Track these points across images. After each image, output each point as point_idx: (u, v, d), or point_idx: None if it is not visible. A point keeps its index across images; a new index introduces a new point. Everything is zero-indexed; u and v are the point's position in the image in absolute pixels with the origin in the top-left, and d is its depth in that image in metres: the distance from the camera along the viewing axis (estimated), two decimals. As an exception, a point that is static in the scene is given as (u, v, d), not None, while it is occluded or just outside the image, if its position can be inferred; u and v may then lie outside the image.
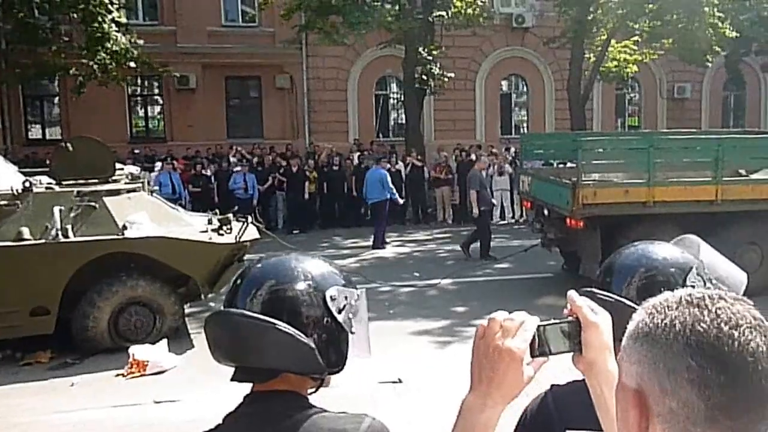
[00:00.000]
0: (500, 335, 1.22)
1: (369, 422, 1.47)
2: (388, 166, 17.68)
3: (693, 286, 1.60)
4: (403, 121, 22.10)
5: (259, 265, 1.58)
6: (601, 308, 1.34)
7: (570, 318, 1.32)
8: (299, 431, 1.44)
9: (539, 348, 1.26)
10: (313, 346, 1.47)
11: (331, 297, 1.53)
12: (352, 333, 1.55)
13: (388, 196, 14.71)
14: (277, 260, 1.59)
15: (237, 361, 1.50)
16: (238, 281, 1.55)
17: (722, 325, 0.92)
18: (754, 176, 10.65)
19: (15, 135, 21.36)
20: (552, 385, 1.73)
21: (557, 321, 1.31)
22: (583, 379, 1.67)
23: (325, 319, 1.52)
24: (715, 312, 0.94)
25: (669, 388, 0.93)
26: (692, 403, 0.91)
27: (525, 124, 25.99)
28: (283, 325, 1.45)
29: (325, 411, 1.50)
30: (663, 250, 1.72)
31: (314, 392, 1.58)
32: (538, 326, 1.26)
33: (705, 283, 1.64)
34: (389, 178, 15.04)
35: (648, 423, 0.95)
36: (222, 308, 1.52)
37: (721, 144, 9.97)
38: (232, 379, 1.52)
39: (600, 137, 13.63)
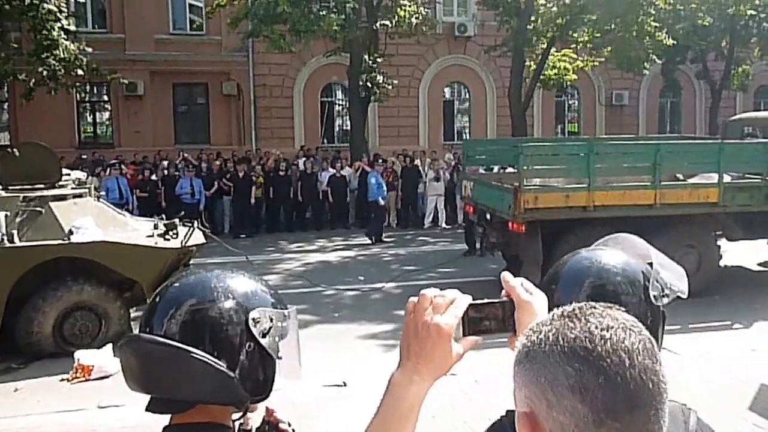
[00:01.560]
0: (430, 311, 1.18)
1: None
2: (333, 171, 17.81)
3: (655, 297, 1.59)
4: (348, 128, 22.20)
5: (177, 283, 1.43)
6: (537, 289, 1.30)
7: (504, 298, 1.28)
8: None
9: (471, 326, 1.22)
10: (232, 375, 1.34)
11: (254, 319, 1.38)
12: (278, 358, 1.41)
13: (384, 196, 16.10)
14: (198, 277, 1.44)
15: (150, 391, 1.37)
16: (156, 299, 1.41)
17: (593, 328, 0.93)
18: (691, 180, 10.84)
19: None
20: (507, 411, 1.69)
21: (490, 300, 1.27)
22: None
23: (248, 344, 1.38)
24: (586, 319, 0.95)
25: (553, 399, 0.92)
26: (577, 410, 0.90)
27: (467, 130, 26.33)
28: (199, 353, 1.32)
29: None
30: (611, 258, 1.65)
31: (241, 416, 1.47)
32: (470, 304, 1.22)
33: (663, 290, 1.60)
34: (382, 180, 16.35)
35: None
36: (137, 332, 1.39)
37: (659, 149, 10.07)
38: (146, 410, 1.39)
39: (541, 143, 13.85)
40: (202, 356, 1.32)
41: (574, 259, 1.68)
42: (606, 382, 0.90)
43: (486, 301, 1.27)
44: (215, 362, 1.33)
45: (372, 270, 12.79)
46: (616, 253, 1.68)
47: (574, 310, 0.98)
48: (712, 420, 1.53)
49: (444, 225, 17.72)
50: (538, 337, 0.96)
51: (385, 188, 16.32)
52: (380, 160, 17.87)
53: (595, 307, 0.98)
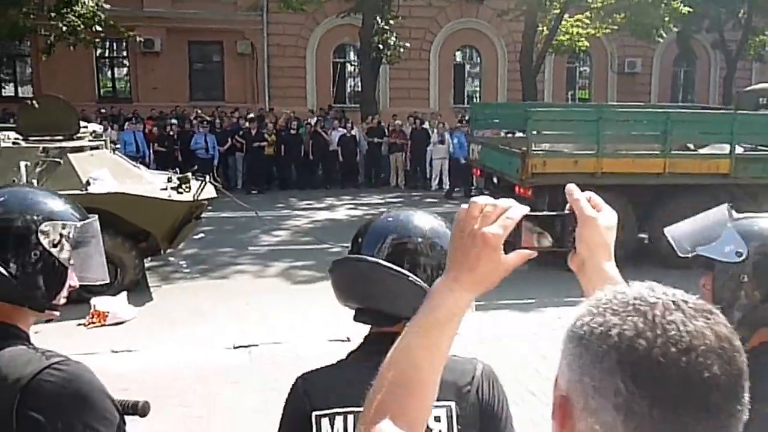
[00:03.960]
0: (478, 220, 1.07)
1: None
2: (344, 130, 17.74)
3: None
4: (360, 89, 22.01)
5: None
6: (606, 206, 1.18)
7: (566, 211, 1.16)
8: None
9: (524, 240, 1.11)
10: (8, 276, 1.48)
11: (42, 231, 1.53)
12: (70, 265, 1.57)
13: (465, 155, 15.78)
14: (11, 192, 1.62)
15: None
16: None
17: (669, 345, 0.74)
18: (702, 150, 10.59)
19: None
20: (303, 373, 1.65)
21: (548, 213, 1.17)
22: (336, 363, 1.66)
23: (34, 253, 1.52)
24: (663, 327, 0.75)
25: (593, 406, 0.78)
26: (616, 430, 0.76)
27: (477, 94, 26.08)
28: None
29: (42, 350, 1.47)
30: (419, 219, 1.62)
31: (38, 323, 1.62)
32: (526, 216, 1.09)
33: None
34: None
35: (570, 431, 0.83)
36: None
37: (670, 118, 9.84)
38: None
39: (550, 108, 13.64)
40: None
41: (383, 217, 1.67)
42: (660, 417, 0.74)
43: (544, 213, 1.16)
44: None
45: (379, 229, 12.77)
46: (426, 216, 1.65)
47: (655, 305, 0.78)
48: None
49: (447, 188, 17.64)
50: (599, 327, 0.79)
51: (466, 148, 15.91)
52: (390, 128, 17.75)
53: (682, 310, 0.77)
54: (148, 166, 11.76)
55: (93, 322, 7.26)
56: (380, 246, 1.57)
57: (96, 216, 1.65)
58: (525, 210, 1.08)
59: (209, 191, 8.46)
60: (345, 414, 1.52)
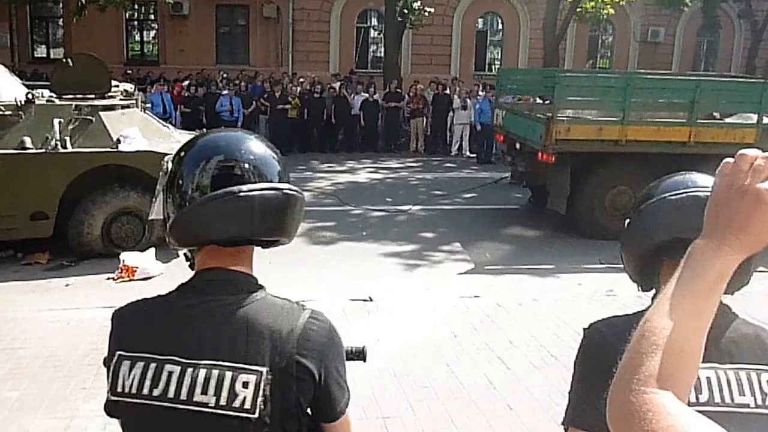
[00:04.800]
0: (748, 174, 0.97)
1: None
2: (366, 95, 17.61)
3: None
4: (382, 54, 21.78)
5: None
6: None
7: None
8: None
9: None
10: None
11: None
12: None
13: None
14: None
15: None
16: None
17: None
18: (728, 120, 10.38)
19: (21, 53, 21.69)
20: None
21: None
22: (147, 299, 1.49)
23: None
24: None
25: None
26: None
27: (498, 62, 25.71)
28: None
29: None
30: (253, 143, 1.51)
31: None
32: None
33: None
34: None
35: None
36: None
37: (699, 86, 9.60)
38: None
39: (577, 74, 13.40)
40: None
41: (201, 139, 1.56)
42: None
43: None
44: None
45: (399, 192, 12.76)
46: (261, 142, 1.54)
47: None
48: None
49: (468, 154, 17.51)
50: None
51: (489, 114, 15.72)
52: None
53: None
54: (175, 127, 11.73)
55: (122, 277, 7.33)
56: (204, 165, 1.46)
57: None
58: None
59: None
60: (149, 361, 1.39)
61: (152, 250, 7.82)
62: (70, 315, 6.09)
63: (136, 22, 23.67)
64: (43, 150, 7.43)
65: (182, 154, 1.50)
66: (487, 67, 25.15)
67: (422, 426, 4.37)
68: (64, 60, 8.77)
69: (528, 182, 11.38)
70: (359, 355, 1.64)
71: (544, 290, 7.28)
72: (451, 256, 8.79)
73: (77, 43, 20.37)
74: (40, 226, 7.62)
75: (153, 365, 1.36)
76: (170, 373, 1.35)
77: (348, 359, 1.55)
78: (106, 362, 1.47)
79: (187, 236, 1.48)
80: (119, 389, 1.38)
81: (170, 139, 8.29)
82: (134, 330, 1.43)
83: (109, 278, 7.33)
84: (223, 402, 1.33)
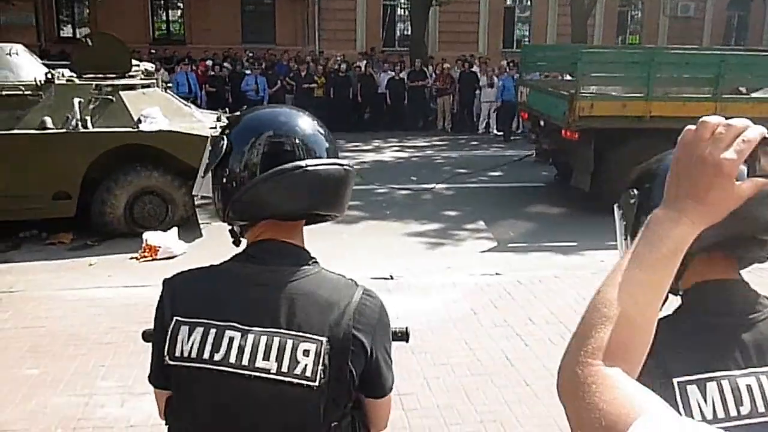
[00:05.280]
0: (709, 143, 0.93)
1: None
2: (392, 73, 17.47)
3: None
4: (409, 32, 21.57)
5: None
6: None
7: None
8: None
9: (759, 166, 0.96)
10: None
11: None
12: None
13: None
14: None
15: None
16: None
17: None
18: (754, 95, 10.15)
19: (48, 33, 21.73)
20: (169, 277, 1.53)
21: None
22: (200, 268, 1.49)
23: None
24: None
25: None
26: None
27: (527, 39, 25.29)
28: None
29: None
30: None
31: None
32: (765, 138, 0.94)
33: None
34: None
35: None
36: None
37: (724, 60, 9.40)
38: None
39: (600, 50, 13.21)
40: None
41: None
42: None
43: None
44: None
45: (424, 171, 12.66)
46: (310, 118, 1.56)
47: None
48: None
49: (495, 132, 17.30)
50: None
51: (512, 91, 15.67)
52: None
53: None
54: (199, 107, 11.76)
55: (145, 256, 7.37)
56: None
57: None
58: (764, 131, 0.94)
59: (256, 131, 8.41)
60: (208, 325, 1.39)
61: (175, 229, 7.86)
62: (92, 294, 6.15)
63: (162, 1, 23.63)
64: (64, 130, 7.46)
65: (235, 130, 1.51)
66: (515, 44, 24.75)
67: (438, 402, 4.34)
68: (84, 39, 8.78)
69: (553, 159, 11.29)
70: (402, 336, 1.68)
71: (565, 267, 7.18)
72: (474, 234, 8.71)
73: (103, 23, 20.45)
74: (63, 205, 7.69)
75: (213, 330, 1.37)
76: (231, 339, 1.36)
77: (395, 339, 1.59)
78: (146, 335, 1.52)
79: (251, 210, 1.48)
80: (177, 353, 1.39)
81: (191, 119, 8.29)
82: (191, 296, 1.44)
83: (132, 258, 7.38)
84: (284, 369, 1.34)
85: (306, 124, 1.50)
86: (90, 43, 8.45)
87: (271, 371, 1.34)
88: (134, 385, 4.45)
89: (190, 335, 1.38)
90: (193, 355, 1.37)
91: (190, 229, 8.26)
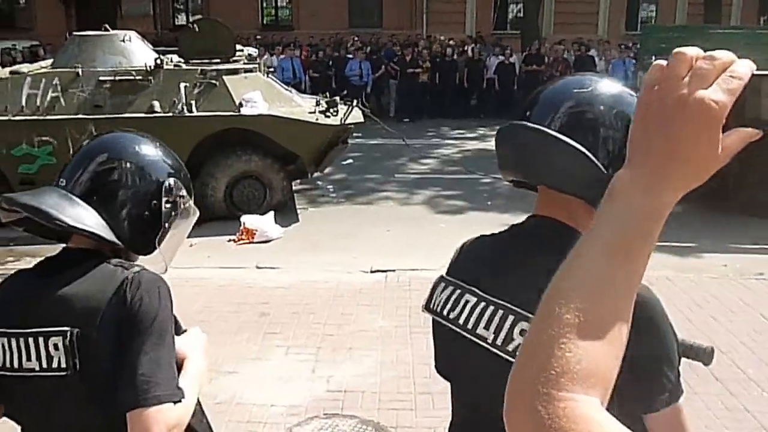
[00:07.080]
0: (688, 81, 0.72)
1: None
2: (502, 58, 17.26)
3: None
4: (522, 15, 21.19)
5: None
6: None
7: None
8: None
9: (751, 113, 0.78)
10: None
11: (169, 185, 1.62)
12: (165, 227, 1.60)
13: None
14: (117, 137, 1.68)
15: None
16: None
17: None
18: None
19: (163, 21, 23.27)
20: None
21: None
22: (490, 234, 1.59)
23: (154, 203, 1.61)
24: None
25: None
26: None
27: (653, 20, 24.22)
28: None
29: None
30: (604, 86, 1.39)
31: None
32: (755, 75, 0.76)
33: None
34: None
35: None
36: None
37: None
38: None
39: (732, 30, 12.53)
40: None
41: (558, 82, 1.46)
42: None
43: None
44: None
45: (533, 161, 12.43)
46: (612, 83, 1.39)
47: None
48: None
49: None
50: None
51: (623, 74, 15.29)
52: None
53: None
54: (303, 92, 12.10)
55: (242, 239, 7.72)
56: (554, 115, 1.38)
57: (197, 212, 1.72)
58: (752, 66, 0.75)
59: (356, 115, 8.59)
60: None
61: (272, 213, 8.17)
62: (190, 273, 6.50)
63: (271, -12, 24.59)
64: (171, 114, 7.93)
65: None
66: (639, 25, 23.79)
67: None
68: (191, 25, 9.24)
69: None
70: (704, 355, 1.52)
71: (681, 269, 6.89)
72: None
73: (215, 10, 21.35)
74: (168, 187, 8.14)
75: (458, 291, 1.50)
76: (467, 302, 1.47)
77: (686, 356, 1.48)
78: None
79: None
80: (431, 306, 1.55)
81: (291, 104, 8.57)
82: (463, 259, 1.60)
83: (230, 240, 7.75)
84: (499, 342, 1.40)
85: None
86: (196, 29, 8.91)
87: (488, 340, 1.42)
88: (223, 363, 4.71)
89: (442, 291, 1.54)
90: (438, 309, 1.52)
91: (286, 214, 8.56)
